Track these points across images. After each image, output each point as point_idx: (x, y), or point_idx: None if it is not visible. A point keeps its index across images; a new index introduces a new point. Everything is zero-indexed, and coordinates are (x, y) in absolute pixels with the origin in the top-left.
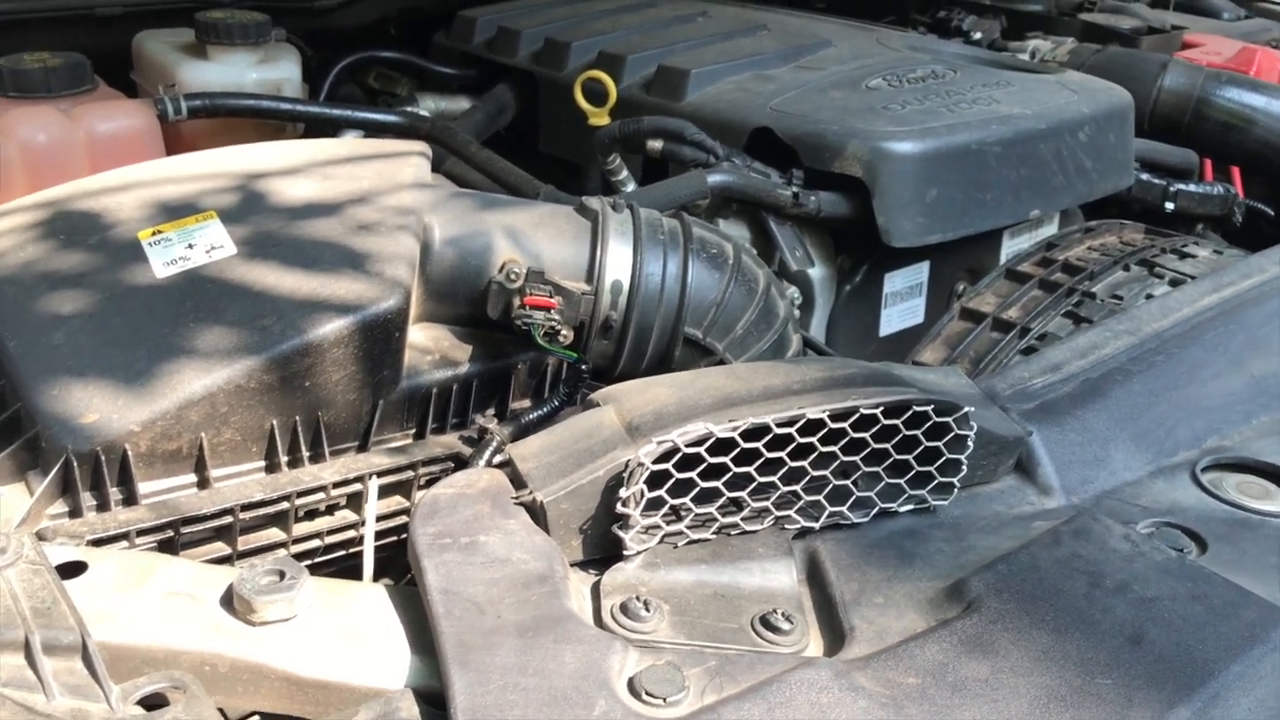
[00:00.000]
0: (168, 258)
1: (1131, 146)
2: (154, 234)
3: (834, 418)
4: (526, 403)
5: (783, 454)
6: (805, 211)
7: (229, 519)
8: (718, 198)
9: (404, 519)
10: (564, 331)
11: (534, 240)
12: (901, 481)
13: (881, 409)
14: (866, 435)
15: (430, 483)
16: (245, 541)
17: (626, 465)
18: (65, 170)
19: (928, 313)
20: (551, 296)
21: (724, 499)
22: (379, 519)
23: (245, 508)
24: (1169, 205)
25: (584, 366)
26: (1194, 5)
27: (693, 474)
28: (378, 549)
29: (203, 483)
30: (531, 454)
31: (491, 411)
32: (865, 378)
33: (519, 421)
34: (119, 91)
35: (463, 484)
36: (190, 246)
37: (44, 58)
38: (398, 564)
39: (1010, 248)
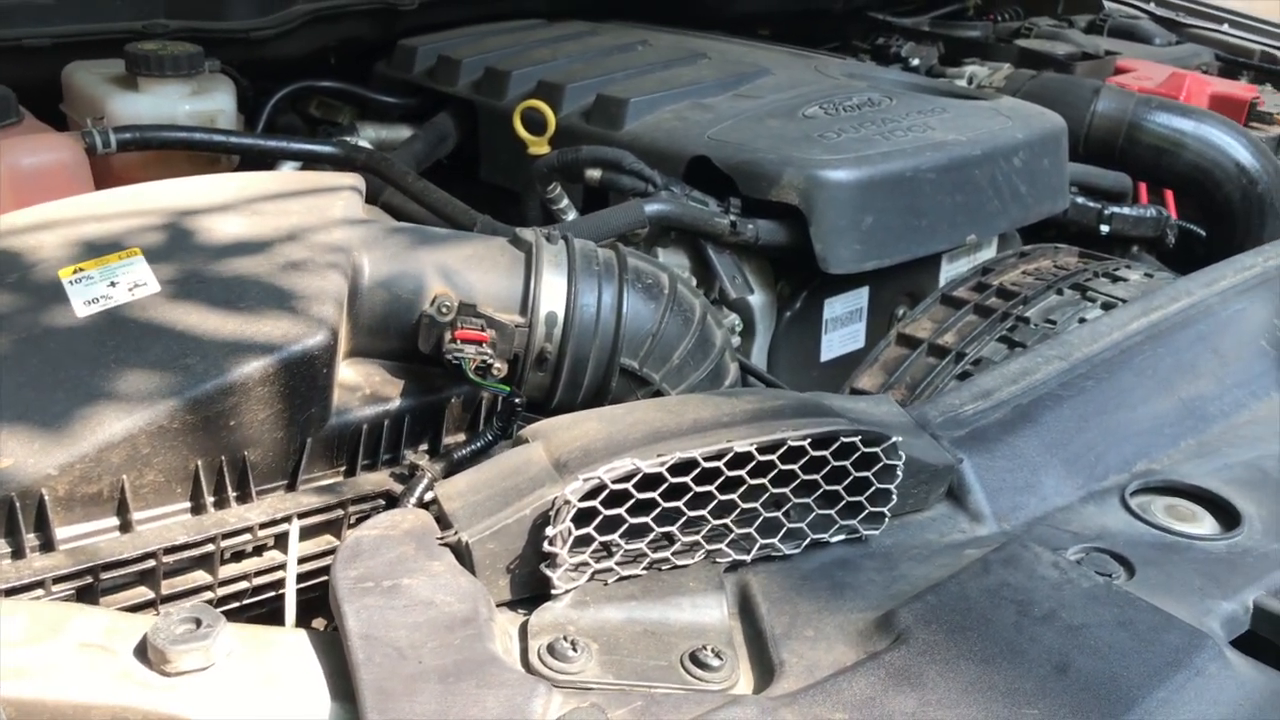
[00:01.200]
0: (89, 296)
1: (1065, 171)
2: (75, 272)
3: (762, 450)
4: (461, 437)
5: (711, 488)
6: (743, 239)
7: (152, 563)
8: (656, 226)
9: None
10: (496, 365)
11: (467, 273)
12: (832, 512)
13: (809, 440)
14: (795, 467)
15: (361, 520)
16: (170, 585)
17: (553, 503)
18: None
19: (868, 337)
20: (484, 330)
21: (654, 534)
22: (309, 559)
23: (168, 551)
24: (1104, 228)
25: (517, 400)
26: (1127, 31)
27: (621, 510)
28: (309, 589)
29: (125, 526)
30: (457, 493)
31: (424, 447)
32: (794, 409)
33: (451, 457)
34: (46, 125)
35: (386, 525)
36: (112, 285)
37: None
38: (328, 605)
39: (949, 271)
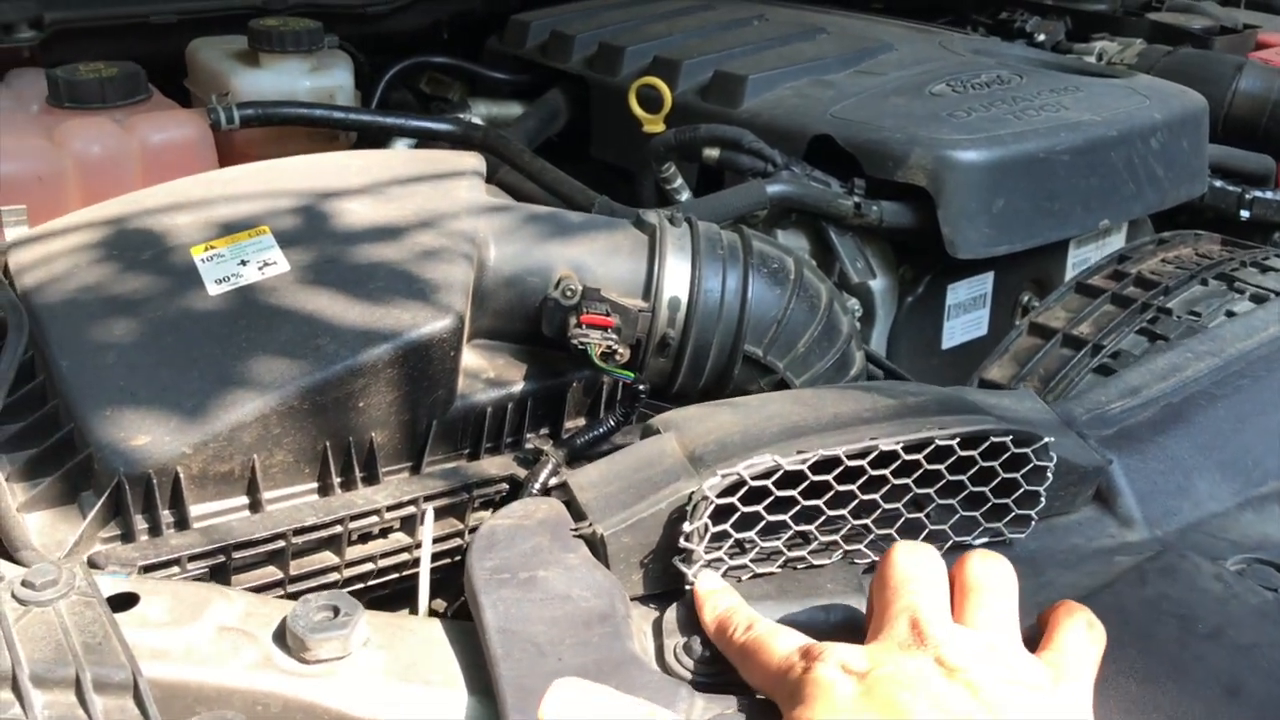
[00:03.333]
0: (220, 274)
1: (1205, 153)
2: (207, 250)
3: (908, 449)
4: (581, 421)
5: (853, 487)
6: (867, 222)
7: (281, 543)
8: (776, 208)
9: (457, 541)
10: (620, 350)
11: (591, 256)
12: (976, 514)
13: (958, 440)
14: (941, 467)
15: (484, 505)
16: (298, 565)
17: (690, 498)
18: (119, 182)
19: (991, 324)
20: (608, 314)
21: (791, 532)
22: (434, 540)
23: (298, 532)
24: (1244, 213)
25: (641, 387)
26: (1267, 3)
27: (758, 507)
28: (433, 570)
29: (255, 505)
30: (590, 484)
31: (546, 431)
32: (939, 405)
33: (574, 443)
34: (173, 101)
35: (520, 514)
36: (243, 263)
37: (99, 68)
38: (450, 586)
39: (1076, 257)
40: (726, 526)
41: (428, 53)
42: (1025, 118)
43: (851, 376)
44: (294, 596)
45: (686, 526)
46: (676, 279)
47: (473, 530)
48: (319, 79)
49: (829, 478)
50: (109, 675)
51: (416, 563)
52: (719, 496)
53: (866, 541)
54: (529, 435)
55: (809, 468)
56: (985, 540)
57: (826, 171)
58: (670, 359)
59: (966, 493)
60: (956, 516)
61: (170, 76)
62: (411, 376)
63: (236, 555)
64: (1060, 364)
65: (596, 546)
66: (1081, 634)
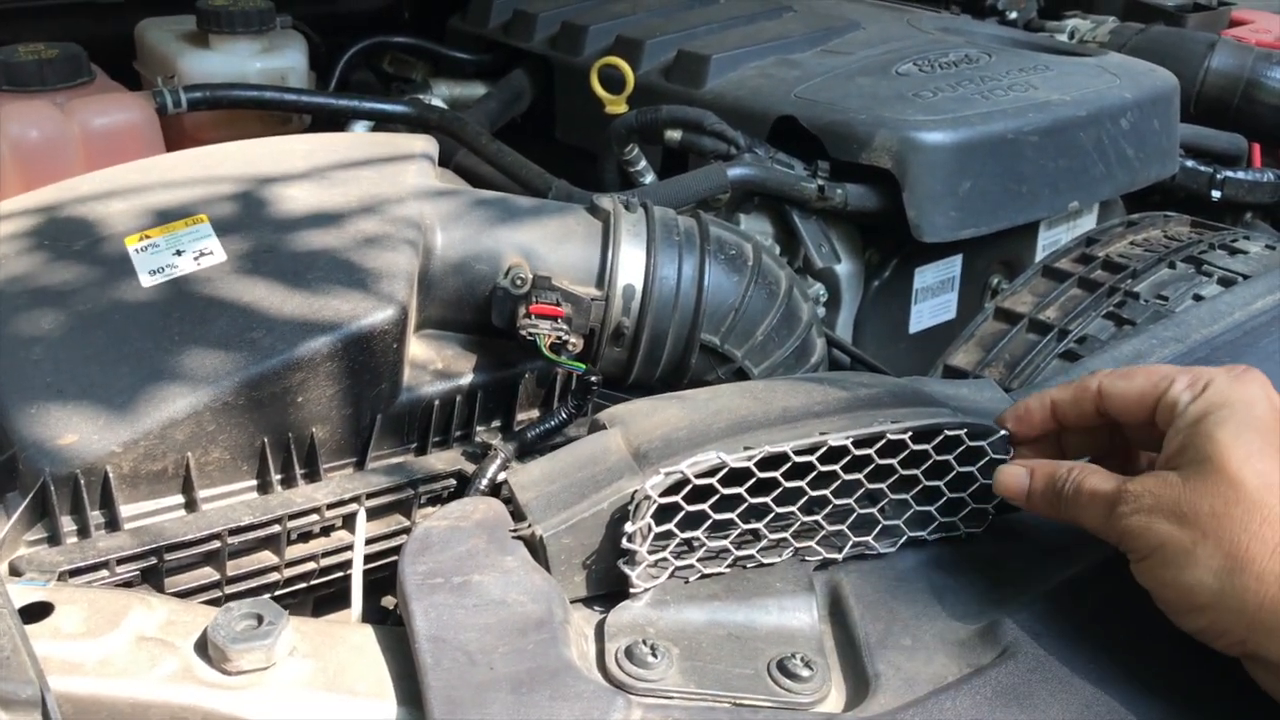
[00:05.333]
0: (154, 265)
1: (1176, 133)
2: (141, 239)
3: (858, 444)
4: (534, 413)
5: (802, 483)
6: (831, 205)
7: (217, 544)
8: (739, 191)
9: (403, 538)
10: (572, 340)
11: (542, 243)
12: (931, 509)
13: (910, 434)
14: (894, 461)
15: (431, 501)
16: (236, 566)
17: (633, 497)
18: (60, 167)
19: (960, 308)
20: (559, 304)
21: (739, 530)
22: (378, 539)
23: (234, 532)
24: (1215, 193)
25: (593, 378)
26: None
27: (704, 505)
28: (378, 568)
29: (190, 504)
30: (531, 483)
31: (497, 424)
32: (893, 397)
33: (524, 436)
34: (119, 84)
35: (458, 515)
36: (178, 253)
37: (39, 49)
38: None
39: (1047, 239)
40: (671, 526)
41: (387, 33)
42: (993, 98)
43: (812, 364)
44: (232, 599)
45: (629, 527)
46: (631, 266)
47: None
48: (270, 60)
49: (777, 474)
50: (15, 691)
51: (364, 560)
52: (662, 495)
53: (818, 538)
54: (479, 429)
55: (756, 464)
56: (940, 535)
57: (791, 153)
58: (625, 348)
59: (920, 487)
60: (910, 511)
61: (121, 59)
62: (353, 369)
63: (169, 557)
64: (1026, 349)
65: (536, 548)
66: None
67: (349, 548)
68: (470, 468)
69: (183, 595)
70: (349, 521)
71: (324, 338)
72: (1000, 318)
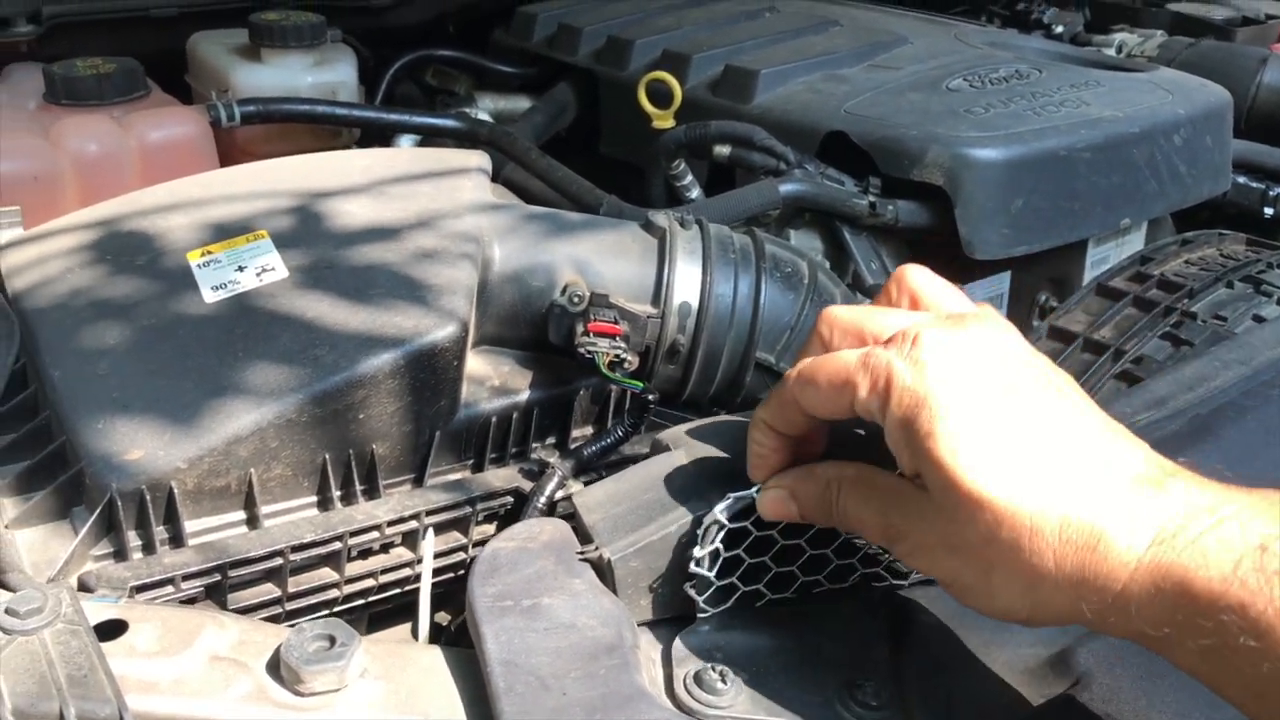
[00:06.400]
0: (216, 281)
1: (1229, 149)
2: (203, 255)
3: None
4: (589, 430)
5: None
6: (882, 222)
7: (279, 561)
8: (789, 207)
9: (461, 555)
10: (629, 358)
11: (598, 260)
12: None
13: None
14: None
15: (489, 518)
16: (296, 583)
17: (701, 522)
18: (117, 181)
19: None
20: (616, 322)
21: (806, 555)
22: (436, 556)
23: (296, 549)
24: (1268, 210)
25: (650, 396)
26: None
27: (773, 531)
28: (435, 584)
29: (252, 520)
30: (597, 504)
31: (552, 440)
32: None
33: (581, 454)
34: (172, 97)
35: (524, 537)
36: (240, 269)
37: (97, 64)
38: (454, 600)
39: (1095, 255)
40: (739, 551)
41: (433, 46)
42: (1045, 114)
43: None
44: (292, 615)
45: (697, 551)
46: (687, 284)
47: (477, 544)
48: (321, 74)
49: None
50: (94, 710)
51: (418, 579)
52: (731, 520)
53: (885, 564)
54: (535, 445)
55: None
56: None
57: (840, 169)
58: (680, 366)
59: None
60: None
61: (172, 72)
62: (414, 386)
63: (232, 573)
64: (1081, 370)
65: (603, 571)
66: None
67: (407, 564)
68: (527, 485)
69: (244, 611)
70: (408, 539)
71: (387, 354)
72: (1054, 337)
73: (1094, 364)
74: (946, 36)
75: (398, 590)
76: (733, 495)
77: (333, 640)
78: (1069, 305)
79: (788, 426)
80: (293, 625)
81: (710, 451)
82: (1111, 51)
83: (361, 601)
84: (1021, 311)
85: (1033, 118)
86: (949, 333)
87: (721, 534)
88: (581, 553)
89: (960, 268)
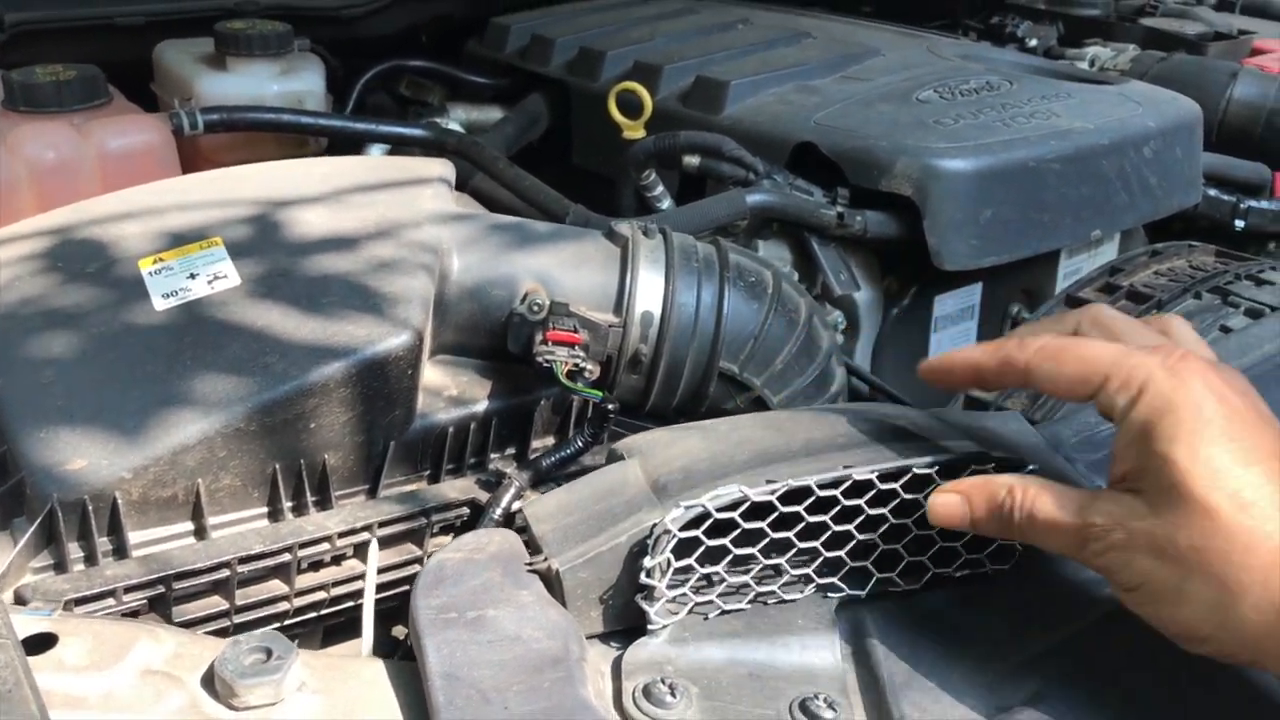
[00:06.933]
0: (167, 288)
1: (1200, 161)
2: (155, 262)
3: (883, 478)
4: (550, 441)
5: (826, 518)
6: (850, 232)
7: (226, 573)
8: (758, 218)
9: (416, 567)
10: (589, 368)
11: (559, 270)
12: (957, 545)
13: (937, 468)
14: (919, 496)
15: (444, 530)
16: (244, 595)
17: (651, 531)
18: (76, 189)
19: (980, 337)
20: (576, 330)
21: (760, 566)
22: (390, 569)
23: (243, 560)
24: (1239, 223)
25: (610, 406)
26: (1260, 8)
27: (725, 540)
28: (389, 599)
29: (199, 532)
30: (547, 515)
31: (511, 451)
32: (917, 429)
33: (539, 465)
34: (135, 105)
35: (472, 548)
36: (192, 276)
37: (57, 70)
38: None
39: (1068, 267)
40: (691, 561)
41: (405, 56)
42: (1014, 125)
43: (832, 393)
44: (241, 628)
45: (648, 561)
46: (649, 293)
47: (430, 556)
48: (288, 83)
49: (800, 509)
50: None
51: (375, 587)
52: (682, 529)
53: (841, 574)
54: (493, 456)
55: (778, 498)
56: (966, 572)
57: (811, 180)
58: (643, 376)
59: None
60: (936, 547)
61: (138, 80)
62: (367, 395)
63: (177, 585)
64: None
65: (552, 583)
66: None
67: (360, 577)
68: (484, 496)
69: (191, 624)
70: (360, 550)
71: (338, 363)
72: None
73: None
74: (919, 49)
75: (351, 603)
76: (684, 504)
77: (269, 653)
78: (1037, 316)
79: (993, 378)
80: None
81: (665, 459)
82: (1084, 65)
83: (314, 614)
84: (994, 323)
85: (1002, 129)
86: (1210, 362)
87: (672, 543)
88: (530, 564)
89: (929, 280)
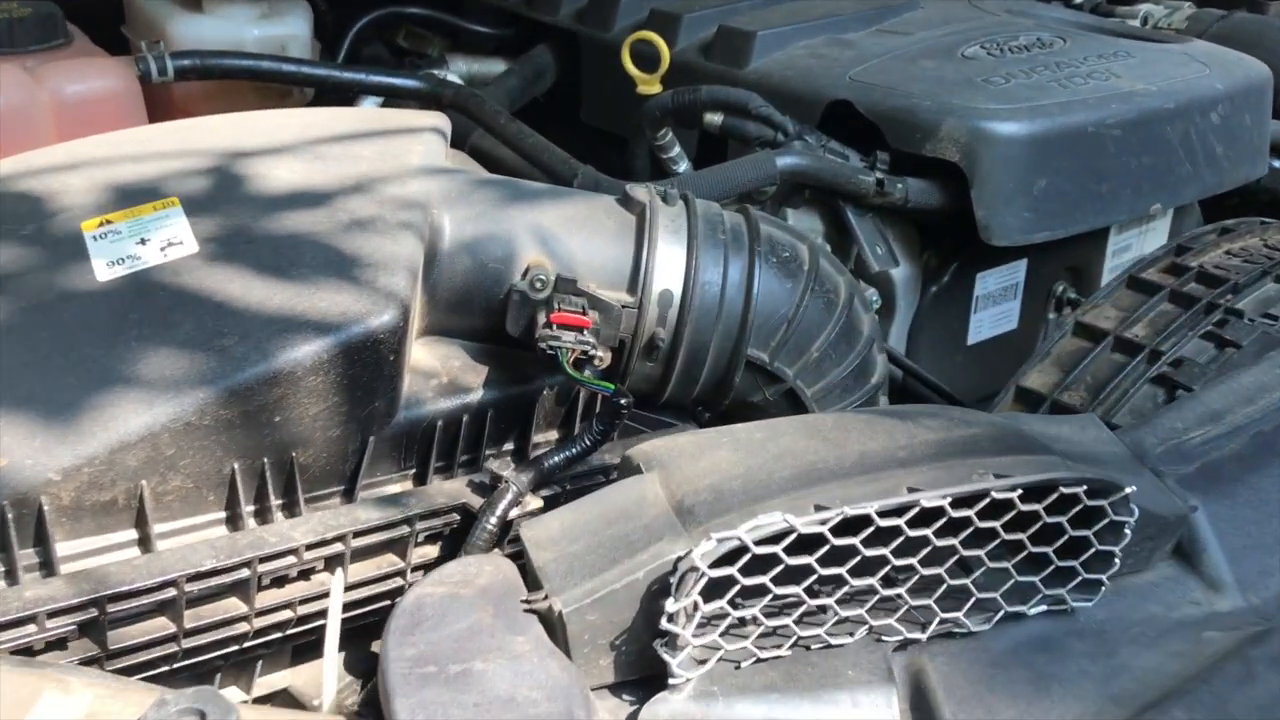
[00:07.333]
0: (113, 255)
1: (1269, 129)
2: (100, 224)
3: (957, 504)
4: (553, 435)
5: (886, 550)
6: (890, 201)
7: (172, 592)
8: (787, 184)
9: (399, 581)
10: (599, 355)
11: (567, 239)
12: (1036, 579)
13: (1019, 492)
14: (997, 525)
15: (431, 538)
16: (196, 616)
17: (675, 566)
18: (27, 138)
19: (1022, 317)
20: (585, 312)
21: (805, 605)
22: (368, 583)
23: (193, 578)
24: None
25: (623, 400)
26: None
27: (764, 578)
28: (369, 614)
29: (144, 542)
30: (550, 539)
31: (510, 447)
32: (991, 441)
33: (541, 466)
34: (99, 48)
35: (457, 580)
36: (142, 242)
37: (10, 8)
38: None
39: (1117, 243)
40: (723, 604)
41: (401, 3)
42: (1071, 86)
43: (872, 384)
44: (190, 653)
45: (670, 604)
46: (669, 269)
47: (416, 569)
48: (270, 27)
49: (856, 541)
50: None
51: (344, 608)
52: (712, 567)
53: (898, 614)
54: (488, 453)
55: (830, 529)
56: (1044, 609)
57: (844, 143)
58: (660, 363)
59: (1025, 554)
60: (1011, 582)
61: (109, 22)
62: (342, 384)
63: (113, 608)
64: (1112, 371)
65: (554, 625)
66: None
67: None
68: (477, 501)
69: (132, 651)
70: (333, 563)
71: (307, 347)
72: (1081, 334)
73: (1127, 365)
74: (960, 2)
75: (321, 622)
76: (716, 536)
77: (203, 716)
78: (1097, 298)
79: None
80: (176, 687)
81: (691, 475)
82: (1135, 23)
83: (279, 635)
84: (1036, 303)
85: (1058, 90)
86: None
87: (701, 583)
88: (528, 601)
89: (971, 255)
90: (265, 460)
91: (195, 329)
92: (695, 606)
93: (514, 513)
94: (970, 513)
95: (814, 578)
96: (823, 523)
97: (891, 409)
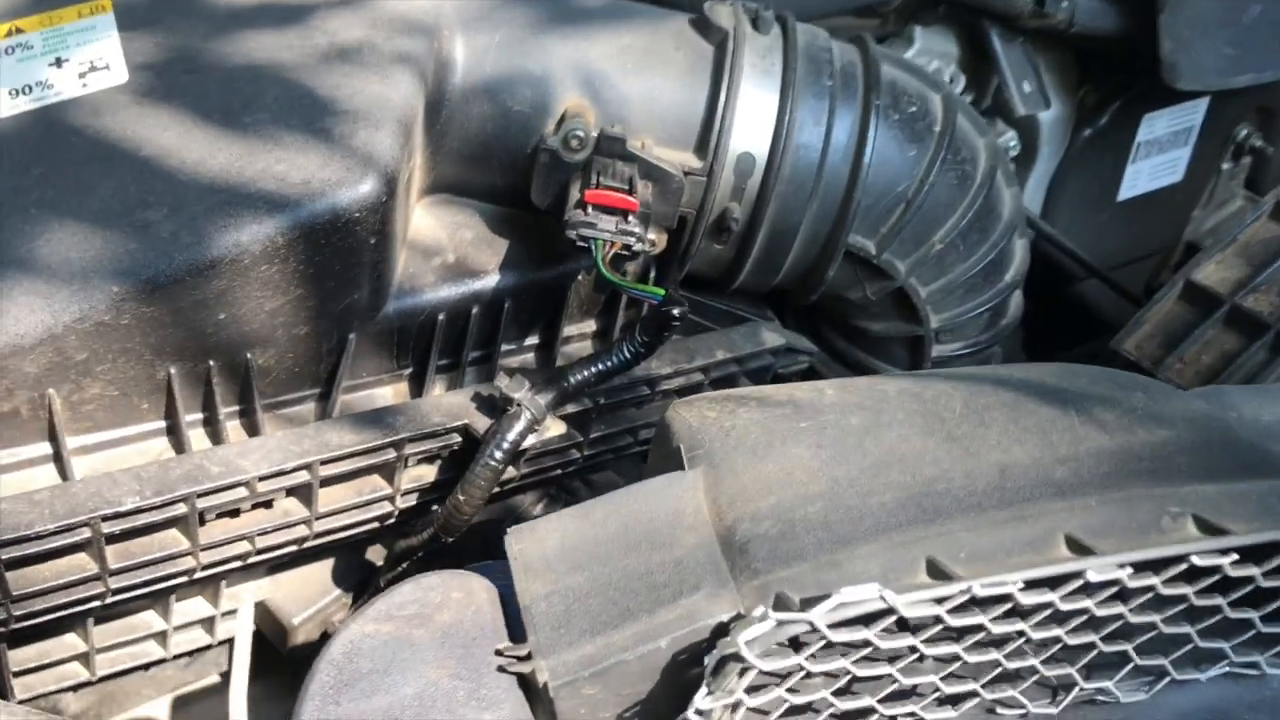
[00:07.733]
0: (18, 81)
1: None
2: (8, 35)
3: (1141, 569)
4: (588, 325)
5: (1026, 625)
6: (1049, 24)
7: (86, 533)
8: None
9: (387, 506)
10: (649, 242)
11: (618, 79)
12: (1226, 645)
13: (1232, 558)
14: (1189, 591)
15: (425, 460)
16: (127, 551)
17: (711, 640)
18: None
19: (1191, 166)
20: (632, 189)
21: (893, 685)
22: (346, 509)
23: (109, 518)
24: None
25: (675, 311)
26: None
27: (845, 662)
28: (348, 538)
29: (58, 457)
30: (544, 562)
31: (534, 341)
32: (1189, 452)
33: (563, 384)
34: None
35: (411, 612)
36: (57, 63)
37: None
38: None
39: None
40: (781, 692)
41: None
42: None
43: (1006, 282)
44: (120, 591)
45: (703, 700)
46: (753, 124)
47: (407, 492)
48: None
49: (984, 619)
50: None
51: (318, 535)
52: (767, 657)
53: (1024, 686)
54: (506, 348)
55: (950, 609)
56: (1225, 671)
57: None
58: (732, 246)
59: (1219, 618)
60: (1189, 648)
61: None
62: (307, 275)
63: (7, 554)
64: (1221, 362)
65: (538, 698)
66: None
67: (301, 522)
68: (483, 421)
69: (47, 593)
70: (298, 492)
71: (256, 227)
72: (1190, 297)
73: (1243, 352)
74: None
75: (295, 547)
76: (776, 616)
77: None
78: (1223, 244)
79: None
80: None
81: (749, 484)
82: None
83: (238, 564)
84: (1211, 150)
85: None
86: None
87: (750, 677)
88: (506, 654)
89: (1140, 93)
90: (211, 363)
91: (114, 194)
92: (738, 705)
93: (529, 440)
94: (1155, 580)
95: (914, 657)
96: (940, 601)
97: (1047, 373)
